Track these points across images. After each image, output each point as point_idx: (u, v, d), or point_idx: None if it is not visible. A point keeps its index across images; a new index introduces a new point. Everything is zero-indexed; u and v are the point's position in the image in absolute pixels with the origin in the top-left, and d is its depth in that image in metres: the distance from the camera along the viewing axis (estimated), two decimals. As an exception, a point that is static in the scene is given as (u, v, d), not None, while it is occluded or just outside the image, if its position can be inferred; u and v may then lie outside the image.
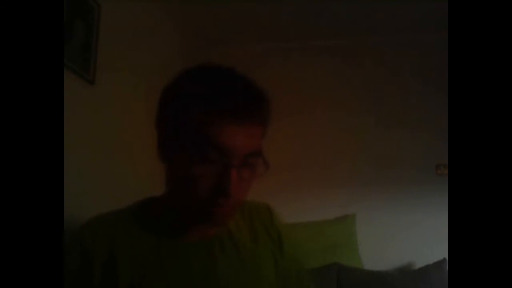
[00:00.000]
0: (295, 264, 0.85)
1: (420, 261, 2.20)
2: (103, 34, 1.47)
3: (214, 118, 0.63)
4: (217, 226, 0.75)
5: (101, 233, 0.72)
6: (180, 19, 2.29)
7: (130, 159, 1.70)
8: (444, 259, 2.10)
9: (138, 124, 1.66)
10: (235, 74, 0.69)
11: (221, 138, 0.63)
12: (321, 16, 2.34)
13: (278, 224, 0.85)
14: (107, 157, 1.53)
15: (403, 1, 2.18)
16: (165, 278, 0.70)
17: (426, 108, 2.44)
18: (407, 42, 2.53)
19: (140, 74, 1.82)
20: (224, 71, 0.69)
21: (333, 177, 2.46)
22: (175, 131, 0.67)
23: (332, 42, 2.60)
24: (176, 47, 2.27)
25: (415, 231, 2.32)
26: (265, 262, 0.79)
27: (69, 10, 1.29)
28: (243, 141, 0.65)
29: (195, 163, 0.64)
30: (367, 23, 2.42)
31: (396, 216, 2.37)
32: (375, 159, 2.47)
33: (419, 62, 2.51)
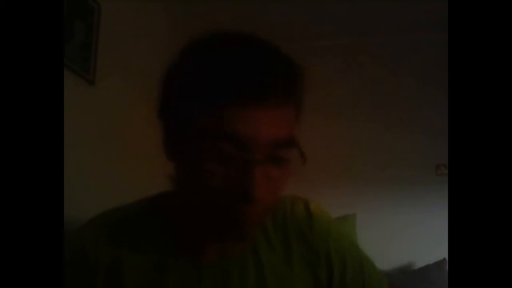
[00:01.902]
0: (357, 276, 0.66)
1: (420, 261, 2.20)
2: (103, 34, 1.47)
3: (228, 102, 0.49)
4: (241, 241, 0.60)
5: (104, 239, 0.62)
6: (180, 19, 2.29)
7: (130, 159, 1.70)
8: (444, 259, 2.10)
9: (138, 124, 1.66)
10: (254, 42, 0.54)
11: (238, 126, 0.49)
12: (321, 16, 2.34)
13: (322, 230, 0.66)
14: (107, 157, 1.53)
15: (403, 1, 2.18)
16: None
17: (426, 108, 2.44)
18: (407, 42, 2.53)
19: (140, 74, 1.82)
20: (240, 38, 0.54)
21: (333, 177, 2.47)
22: (182, 121, 0.53)
23: (332, 42, 2.60)
24: (176, 47, 2.26)
25: (415, 231, 2.32)
26: (301, 283, 0.63)
27: (69, 10, 1.29)
28: (268, 128, 0.50)
29: (208, 160, 0.50)
30: (367, 23, 2.42)
31: (396, 216, 2.37)
32: (375, 159, 2.47)
33: (419, 62, 2.51)
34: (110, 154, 1.55)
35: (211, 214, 0.53)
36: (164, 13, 2.13)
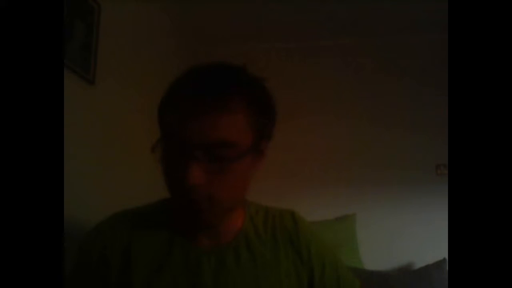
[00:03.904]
0: (334, 274, 0.78)
1: (420, 261, 2.20)
2: (103, 34, 1.47)
3: (175, 109, 0.63)
4: (205, 228, 0.71)
5: (120, 228, 0.73)
6: (180, 19, 2.29)
7: (130, 159, 1.70)
8: (444, 259, 2.10)
9: (138, 124, 1.66)
10: (220, 67, 0.67)
11: (177, 128, 0.62)
12: (321, 16, 2.34)
13: (306, 235, 0.78)
14: (107, 157, 1.53)
15: (403, 1, 2.18)
16: (175, 284, 0.68)
17: (426, 108, 2.44)
18: (406, 42, 2.53)
19: (140, 74, 1.82)
20: (211, 66, 0.68)
21: (333, 177, 2.46)
22: (161, 128, 0.68)
23: (332, 42, 2.60)
24: (176, 47, 2.27)
25: (415, 231, 2.32)
26: (286, 276, 0.73)
27: (69, 10, 1.29)
28: (202, 130, 0.61)
29: (167, 159, 0.65)
30: (367, 23, 2.42)
31: (396, 216, 2.37)
32: (375, 159, 2.47)
33: (419, 62, 2.51)
34: (110, 154, 1.55)
35: (178, 206, 0.68)
36: (164, 13, 2.13)
